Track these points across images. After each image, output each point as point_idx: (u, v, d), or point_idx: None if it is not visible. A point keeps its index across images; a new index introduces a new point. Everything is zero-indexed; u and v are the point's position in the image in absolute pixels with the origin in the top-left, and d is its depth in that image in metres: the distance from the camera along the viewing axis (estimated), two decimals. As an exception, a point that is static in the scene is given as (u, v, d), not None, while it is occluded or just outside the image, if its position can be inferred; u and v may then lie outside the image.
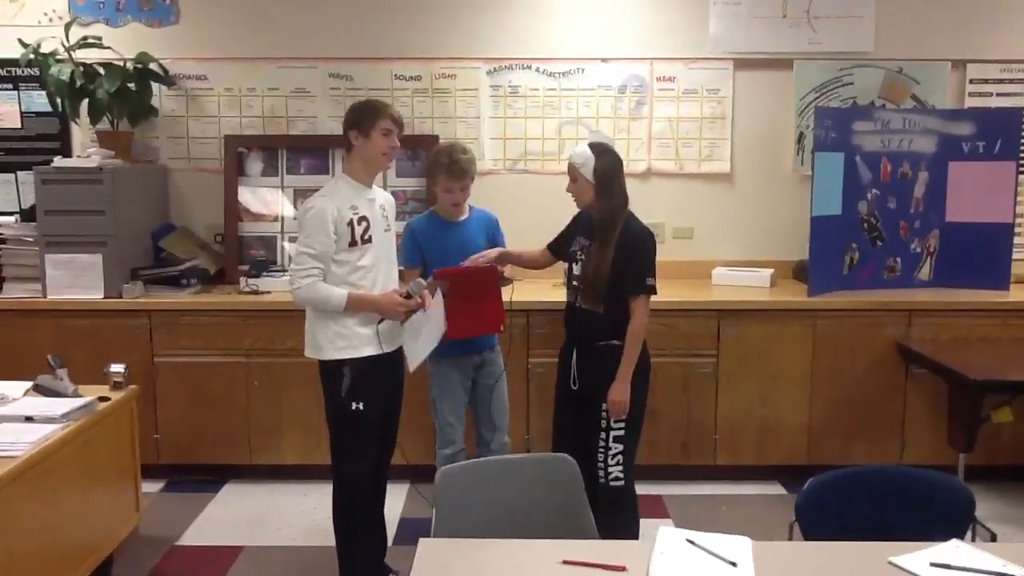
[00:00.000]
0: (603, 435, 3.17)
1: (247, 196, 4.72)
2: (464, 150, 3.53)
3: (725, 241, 4.85)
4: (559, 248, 3.49)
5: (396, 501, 4.01)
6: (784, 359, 4.26)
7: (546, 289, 4.19)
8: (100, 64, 4.43)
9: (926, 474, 2.34)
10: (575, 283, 3.28)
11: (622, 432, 3.18)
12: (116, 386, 3.37)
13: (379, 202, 3.21)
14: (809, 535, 2.22)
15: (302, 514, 4.03)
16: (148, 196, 4.64)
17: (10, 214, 4.55)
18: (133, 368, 3.56)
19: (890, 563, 1.91)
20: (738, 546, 1.97)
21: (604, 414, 3.17)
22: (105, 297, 4.21)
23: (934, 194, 4.51)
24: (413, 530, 3.81)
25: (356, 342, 3.08)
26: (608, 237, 3.15)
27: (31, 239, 4.23)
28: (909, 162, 4.47)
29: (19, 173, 4.74)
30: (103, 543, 3.23)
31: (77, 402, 3.05)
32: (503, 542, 2.06)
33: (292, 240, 4.69)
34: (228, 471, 4.40)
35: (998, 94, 4.74)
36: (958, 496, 2.26)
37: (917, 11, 4.68)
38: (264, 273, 4.47)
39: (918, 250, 4.54)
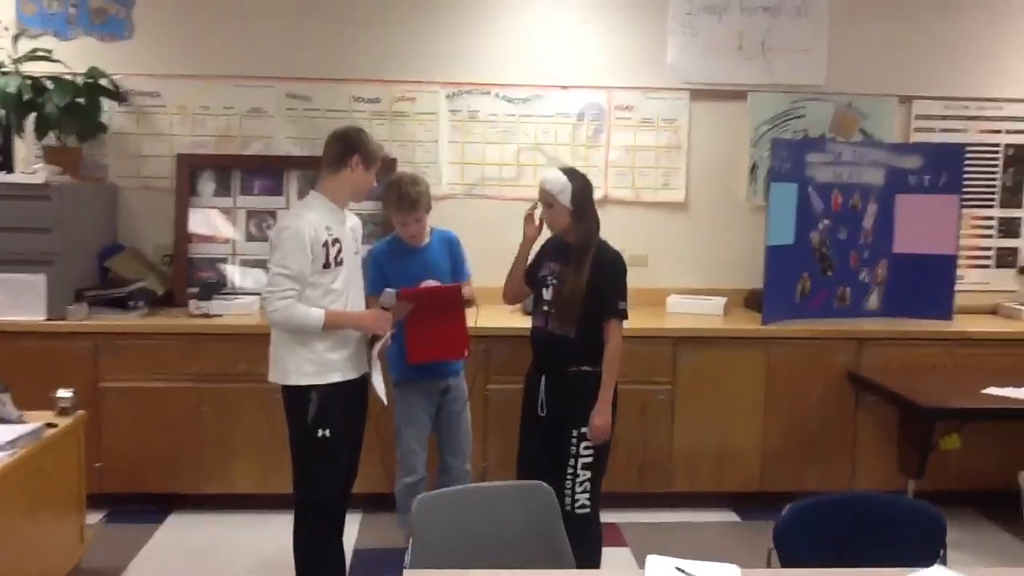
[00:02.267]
0: (572, 462, 3.16)
1: (198, 217, 4.62)
2: (414, 181, 3.47)
3: (679, 269, 4.90)
4: (528, 276, 3.46)
5: (349, 530, 3.91)
6: (738, 386, 4.31)
7: (504, 315, 4.17)
8: (48, 78, 4.30)
9: (897, 500, 2.39)
10: (546, 308, 3.27)
11: (591, 459, 3.17)
12: (63, 412, 3.25)
13: (349, 224, 3.18)
14: (786, 562, 2.23)
15: (255, 545, 3.91)
16: (95, 215, 4.50)
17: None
18: (76, 393, 3.43)
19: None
20: (729, 574, 1.97)
21: (574, 440, 3.16)
22: (48, 319, 4.06)
23: (882, 225, 4.63)
24: (369, 561, 3.73)
25: (324, 368, 3.02)
26: (583, 261, 3.17)
27: (-31, 257, 4.06)
28: (859, 193, 4.59)
29: (-44, 188, 4.55)
30: (49, 574, 3.08)
31: (24, 428, 2.94)
32: (494, 573, 2.02)
33: (244, 264, 4.62)
34: (174, 500, 4.26)
35: (941, 129, 4.90)
36: (930, 521, 2.30)
37: (866, 47, 4.82)
38: (215, 296, 4.37)
39: (867, 280, 4.65)
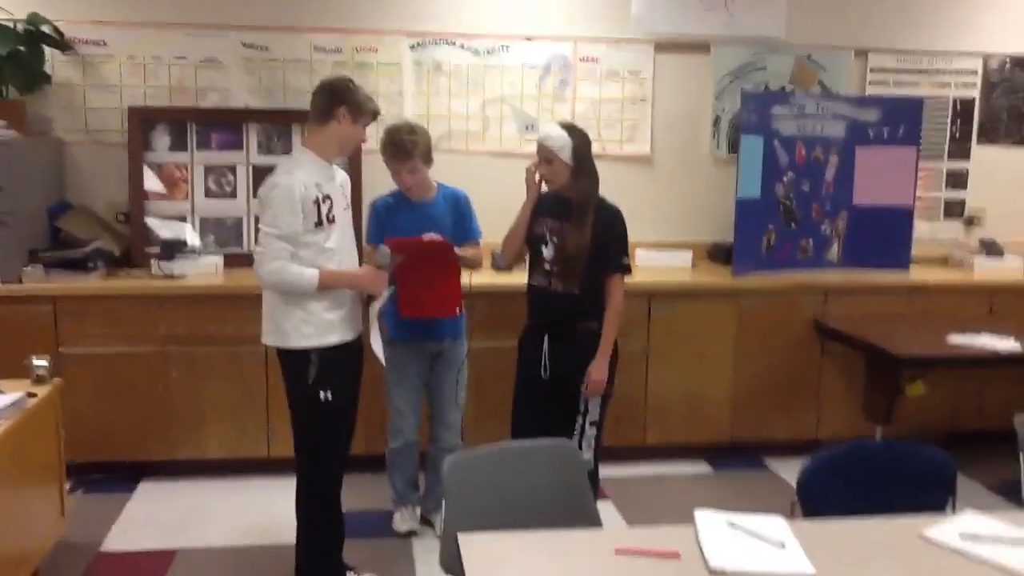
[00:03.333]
0: (580, 420, 3.17)
1: (152, 173, 4.41)
2: (411, 130, 3.42)
3: (644, 223, 4.86)
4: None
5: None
6: (710, 338, 4.39)
7: (486, 274, 4.12)
8: (-14, 25, 4.01)
9: (908, 446, 2.48)
10: (547, 266, 3.24)
11: (598, 416, 3.19)
12: (39, 380, 3.09)
13: (338, 180, 3.08)
14: (809, 513, 2.29)
15: (234, 512, 3.83)
16: (42, 171, 4.25)
17: None
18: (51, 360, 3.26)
19: (921, 537, 2.00)
20: (777, 526, 2.02)
21: (585, 400, 3.16)
22: (2, 282, 3.84)
23: (843, 178, 4.73)
24: (365, 523, 3.68)
25: (323, 329, 2.95)
26: (585, 216, 3.15)
27: (-90, 218, 3.79)
28: (821, 146, 4.67)
29: None
30: (34, 551, 2.98)
31: (6, 399, 2.78)
32: (548, 534, 2.03)
33: (204, 221, 4.45)
34: (143, 469, 4.13)
35: (895, 83, 5.02)
36: (941, 465, 2.40)
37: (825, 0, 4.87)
38: (177, 255, 4.20)
39: (828, 232, 4.77)
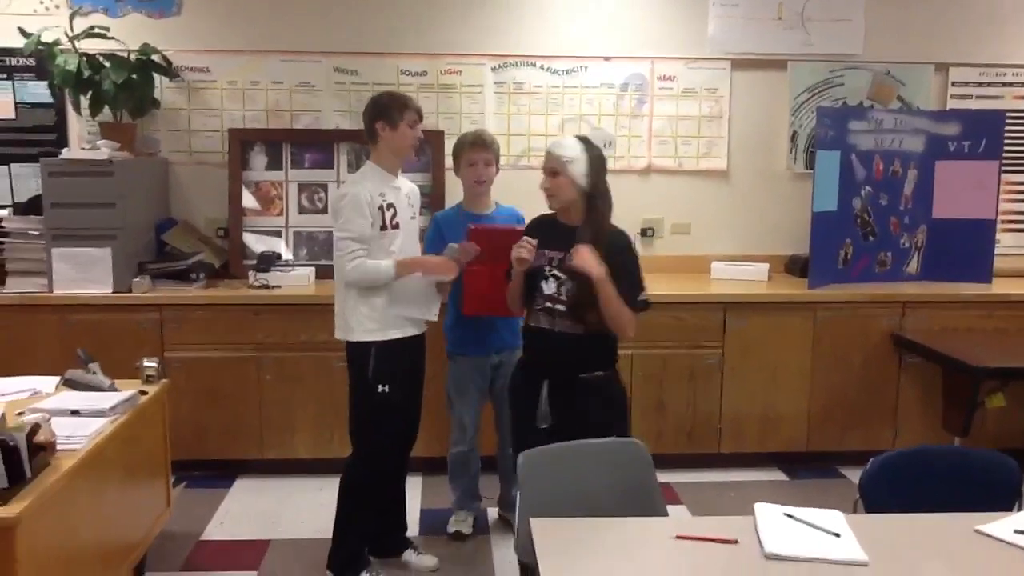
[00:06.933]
0: None
1: (249, 191, 4.70)
2: (490, 135, 3.69)
3: (721, 236, 4.99)
4: None
5: (412, 492, 4.04)
6: (785, 350, 4.42)
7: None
8: (102, 55, 4.36)
9: (972, 451, 2.51)
10: (548, 304, 2.88)
11: None
12: (149, 379, 3.34)
13: (404, 191, 3.32)
14: (872, 510, 2.35)
15: (320, 507, 4.00)
16: (151, 189, 4.58)
17: (3, 207, 4.46)
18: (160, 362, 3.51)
19: (976, 531, 2.05)
20: (834, 518, 2.09)
21: None
22: (114, 292, 4.15)
23: (922, 191, 4.72)
24: (433, 520, 3.86)
25: (384, 325, 3.18)
26: (598, 246, 2.79)
27: (36, 232, 4.14)
28: (899, 160, 4.67)
29: (13, 165, 4.63)
30: (143, 537, 3.22)
31: (121, 395, 3.03)
32: (614, 520, 2.16)
33: (297, 236, 4.72)
34: (237, 467, 4.39)
35: (977, 96, 4.98)
36: (1006, 469, 2.42)
37: (903, 16, 4.88)
38: (272, 267, 4.46)
39: (907, 245, 4.75)
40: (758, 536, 2.01)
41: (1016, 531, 2.05)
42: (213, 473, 4.33)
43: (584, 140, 2.97)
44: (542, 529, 2.06)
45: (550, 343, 2.89)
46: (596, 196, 2.89)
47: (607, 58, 4.81)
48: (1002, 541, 2.02)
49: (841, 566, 1.90)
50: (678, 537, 2.01)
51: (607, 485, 2.43)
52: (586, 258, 2.74)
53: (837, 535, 2.01)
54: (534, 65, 4.79)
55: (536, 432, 2.84)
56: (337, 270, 3.20)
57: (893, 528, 2.10)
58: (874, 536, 2.01)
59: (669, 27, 4.81)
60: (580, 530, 2.10)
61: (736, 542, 1.99)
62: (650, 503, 2.42)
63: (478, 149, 3.57)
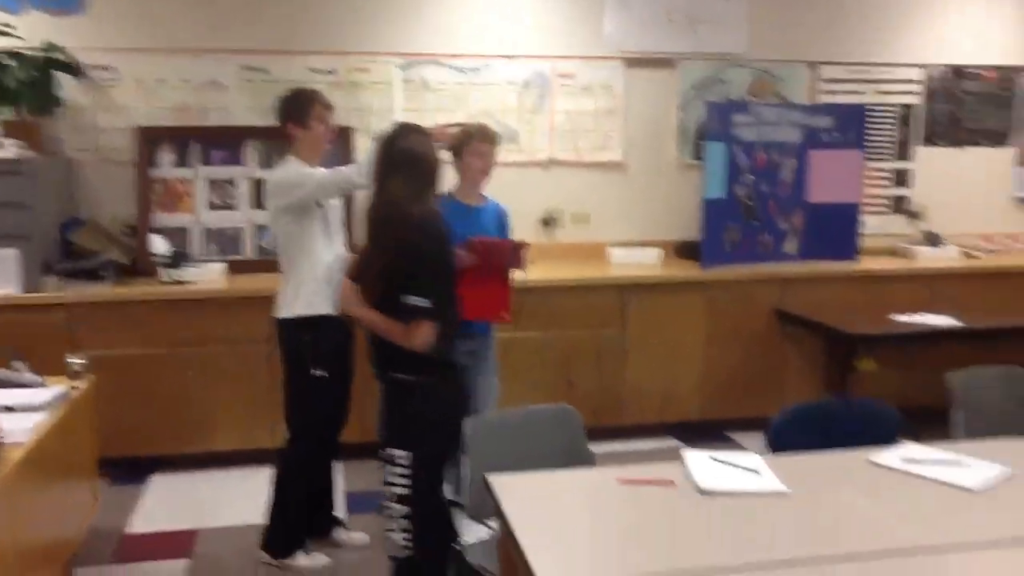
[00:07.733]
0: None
1: (159, 187, 4.71)
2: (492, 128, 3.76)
3: (617, 224, 5.31)
4: None
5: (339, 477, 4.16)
6: (681, 327, 4.77)
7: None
8: (4, 52, 4.29)
9: (860, 401, 2.86)
10: None
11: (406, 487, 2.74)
12: (76, 376, 3.37)
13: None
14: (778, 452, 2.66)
15: (247, 495, 4.10)
16: (56, 189, 4.53)
17: None
18: (54, 364, 3.44)
19: (870, 462, 2.38)
20: (752, 459, 2.38)
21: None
22: (24, 292, 4.11)
23: (798, 179, 5.16)
24: (358, 503, 4.00)
25: (315, 301, 3.31)
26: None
27: (-62, 233, 4.05)
28: (778, 150, 5.09)
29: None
30: (75, 533, 3.24)
31: (53, 391, 3.07)
32: (564, 472, 2.38)
33: (208, 232, 4.75)
34: (152, 463, 4.40)
35: (844, 92, 5.47)
36: (886, 415, 2.78)
37: (781, 18, 5.32)
38: (183, 263, 4.49)
39: (785, 227, 5.18)
40: (692, 477, 2.28)
41: (903, 459, 2.39)
42: (125, 471, 4.31)
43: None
44: (500, 484, 2.26)
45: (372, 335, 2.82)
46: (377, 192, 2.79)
47: (510, 57, 5.04)
48: (893, 469, 2.36)
49: (768, 497, 2.20)
50: (622, 482, 2.26)
51: (543, 443, 2.66)
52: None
53: (757, 472, 2.30)
54: (440, 63, 4.97)
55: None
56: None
57: (802, 465, 2.41)
58: (787, 471, 2.31)
59: (567, 27, 5.10)
60: (532, 482, 2.31)
61: (673, 482, 2.25)
62: (580, 456, 2.68)
63: (486, 140, 3.61)
